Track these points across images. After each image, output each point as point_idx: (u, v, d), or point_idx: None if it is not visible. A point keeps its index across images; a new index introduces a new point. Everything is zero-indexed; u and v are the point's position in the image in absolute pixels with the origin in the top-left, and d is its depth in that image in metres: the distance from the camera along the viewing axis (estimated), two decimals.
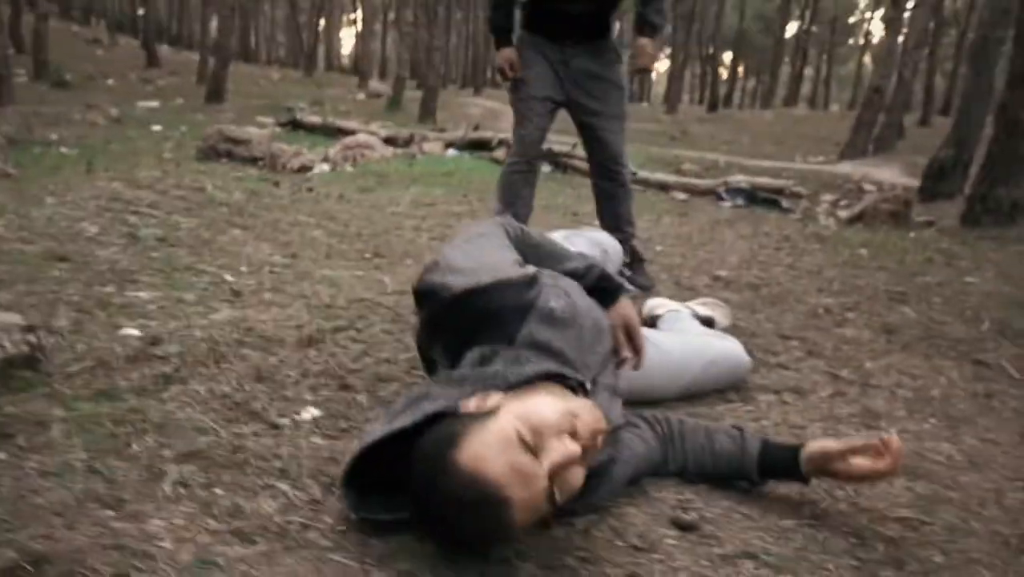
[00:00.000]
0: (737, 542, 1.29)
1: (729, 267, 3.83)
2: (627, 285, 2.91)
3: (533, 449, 1.09)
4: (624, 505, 1.38)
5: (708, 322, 2.59)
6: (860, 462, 1.37)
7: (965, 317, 3.22)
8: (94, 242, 2.67)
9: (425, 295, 1.38)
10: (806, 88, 46.21)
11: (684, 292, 3.26)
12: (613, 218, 3.18)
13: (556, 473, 1.10)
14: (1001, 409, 2.19)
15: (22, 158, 6.52)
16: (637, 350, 1.60)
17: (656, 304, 2.67)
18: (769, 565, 1.22)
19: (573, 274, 1.54)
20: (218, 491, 1.27)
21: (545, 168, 8.63)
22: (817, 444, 1.44)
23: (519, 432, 1.09)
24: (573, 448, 1.12)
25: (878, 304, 3.28)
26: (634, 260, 3.18)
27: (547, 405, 1.16)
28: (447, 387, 1.25)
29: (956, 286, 3.84)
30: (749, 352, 2.42)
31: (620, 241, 3.20)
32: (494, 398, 1.18)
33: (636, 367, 1.60)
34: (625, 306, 1.60)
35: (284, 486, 1.30)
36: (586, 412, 1.17)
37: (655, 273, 3.52)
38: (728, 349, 2.09)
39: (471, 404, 1.18)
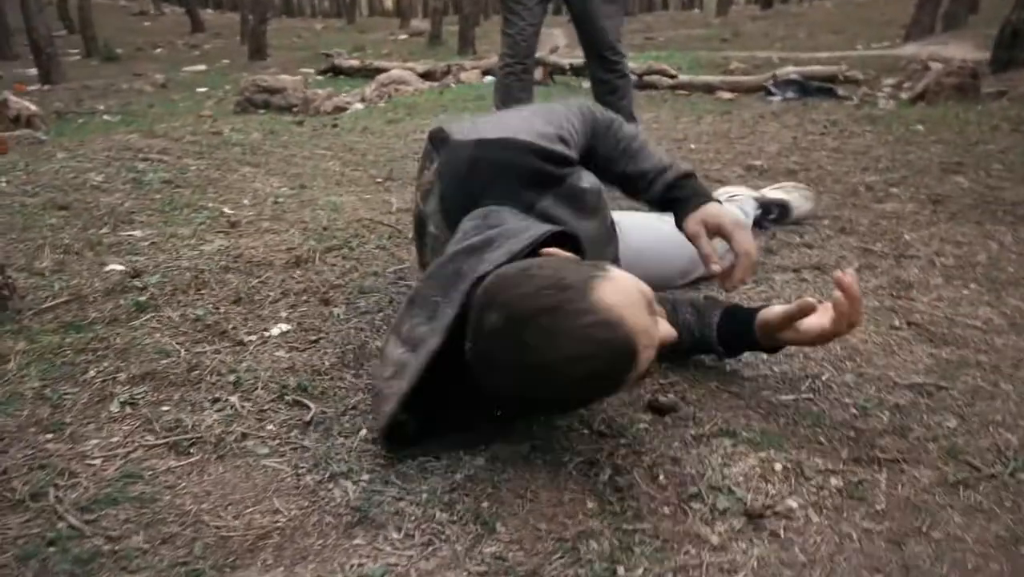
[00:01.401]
0: (718, 421, 1.17)
1: (767, 156, 3.58)
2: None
3: (655, 315, 1.00)
4: None
5: (783, 208, 2.36)
6: (810, 323, 1.16)
7: None
8: (98, 190, 2.65)
9: (441, 140, 1.23)
10: None
11: (714, 185, 3.06)
12: (615, 112, 2.99)
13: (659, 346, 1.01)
14: None
15: (65, 128, 6.67)
16: (742, 255, 1.22)
17: (721, 192, 2.46)
18: (749, 441, 1.10)
19: (640, 177, 1.31)
20: (164, 408, 1.22)
21: (585, 84, 8.32)
22: (764, 312, 1.23)
23: (648, 299, 0.99)
24: (670, 329, 1.03)
25: (928, 177, 3.01)
26: None
27: (643, 284, 1.03)
28: (472, 256, 1.07)
29: (1021, 151, 3.50)
30: (773, 236, 2.25)
31: None
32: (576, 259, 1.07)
33: (729, 284, 1.25)
34: (709, 209, 1.26)
35: (233, 399, 1.25)
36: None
37: None
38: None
39: (552, 250, 1.07)
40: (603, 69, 2.94)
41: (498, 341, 0.94)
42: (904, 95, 6.77)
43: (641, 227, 1.79)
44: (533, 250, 1.07)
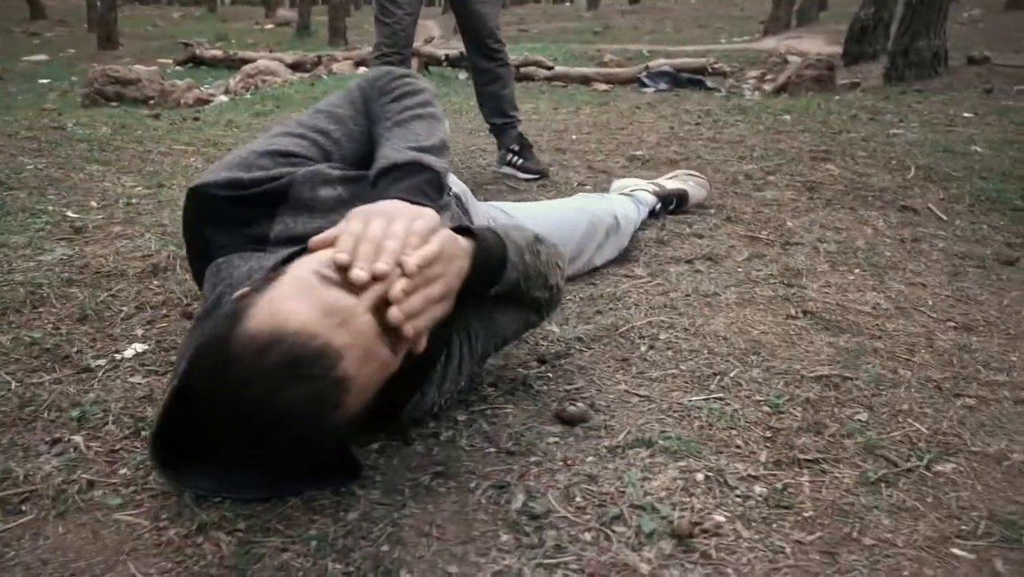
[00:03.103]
0: (631, 429, 1.09)
1: (647, 146, 3.60)
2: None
3: (344, 284, 0.79)
4: (500, 405, 1.17)
5: (681, 197, 2.34)
6: None
7: (891, 167, 3.07)
8: None
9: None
10: None
11: (599, 176, 3.04)
12: (497, 103, 2.92)
13: (381, 305, 0.79)
14: (929, 251, 2.04)
15: None
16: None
17: (619, 185, 2.40)
18: (667, 451, 1.03)
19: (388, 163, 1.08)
20: None
21: (461, 75, 8.22)
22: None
23: (318, 271, 0.80)
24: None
25: (801, 165, 3.10)
26: (523, 146, 2.94)
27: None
28: (206, 321, 0.97)
29: (881, 139, 3.69)
30: (663, 227, 2.22)
31: (507, 127, 2.96)
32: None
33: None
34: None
35: (77, 438, 1.06)
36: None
37: (568, 161, 3.28)
38: (602, 212, 1.86)
39: (244, 290, 0.87)
40: (484, 58, 2.84)
41: (206, 426, 0.82)
42: (767, 86, 7.07)
43: (528, 214, 1.72)
44: None
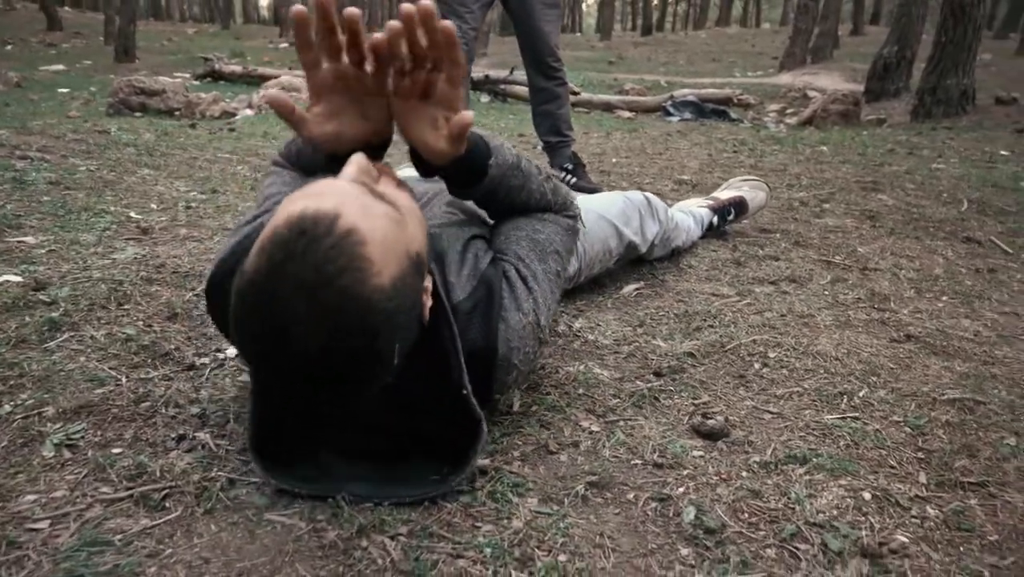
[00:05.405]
0: (777, 446, 1.05)
1: (691, 172, 3.60)
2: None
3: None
4: (630, 417, 1.13)
5: (740, 204, 2.31)
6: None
7: (943, 200, 3.06)
8: None
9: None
10: (736, 9, 45.95)
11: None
12: (553, 121, 2.91)
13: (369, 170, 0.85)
14: (1009, 282, 2.02)
15: None
16: None
17: (680, 206, 2.37)
18: (823, 468, 0.99)
19: None
20: (116, 450, 0.98)
21: (484, 98, 8.25)
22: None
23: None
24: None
25: (852, 194, 3.09)
26: (576, 165, 2.93)
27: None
28: None
29: (924, 172, 3.69)
30: (735, 248, 2.20)
31: (561, 145, 2.95)
32: None
33: None
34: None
35: (204, 435, 1.02)
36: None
37: (615, 183, 3.26)
38: (633, 193, 1.90)
39: None
40: (543, 77, 2.84)
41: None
42: (791, 120, 7.10)
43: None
44: None
